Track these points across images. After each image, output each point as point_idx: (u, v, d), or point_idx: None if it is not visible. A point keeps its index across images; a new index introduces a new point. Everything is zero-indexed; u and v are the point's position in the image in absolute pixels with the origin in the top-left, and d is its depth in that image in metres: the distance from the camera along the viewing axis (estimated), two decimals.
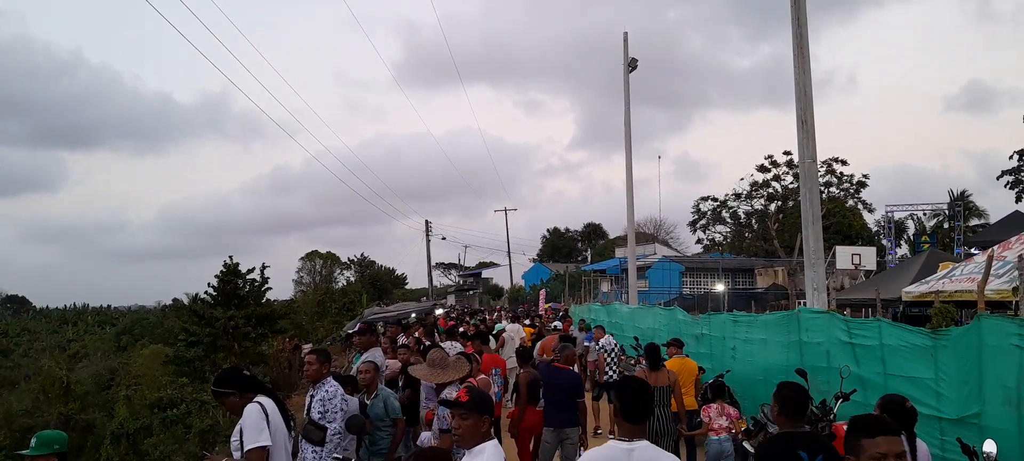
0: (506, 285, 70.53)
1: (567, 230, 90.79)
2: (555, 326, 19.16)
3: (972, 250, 26.45)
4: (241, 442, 4.55)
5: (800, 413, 4.44)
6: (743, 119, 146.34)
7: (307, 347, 23.42)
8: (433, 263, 58.97)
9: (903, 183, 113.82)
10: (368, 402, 6.70)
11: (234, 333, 21.71)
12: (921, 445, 4.78)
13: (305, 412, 6.06)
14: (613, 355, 12.60)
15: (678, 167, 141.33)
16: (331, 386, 6.02)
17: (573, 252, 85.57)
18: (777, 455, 3.47)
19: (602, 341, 13.06)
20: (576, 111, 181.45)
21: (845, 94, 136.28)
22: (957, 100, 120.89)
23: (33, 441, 4.51)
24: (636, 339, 15.54)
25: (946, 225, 46.33)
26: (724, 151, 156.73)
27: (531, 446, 8.47)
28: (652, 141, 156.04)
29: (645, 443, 3.47)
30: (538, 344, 14.18)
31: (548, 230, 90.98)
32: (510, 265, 71.17)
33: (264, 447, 4.52)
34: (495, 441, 3.83)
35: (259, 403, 4.67)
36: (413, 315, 24.71)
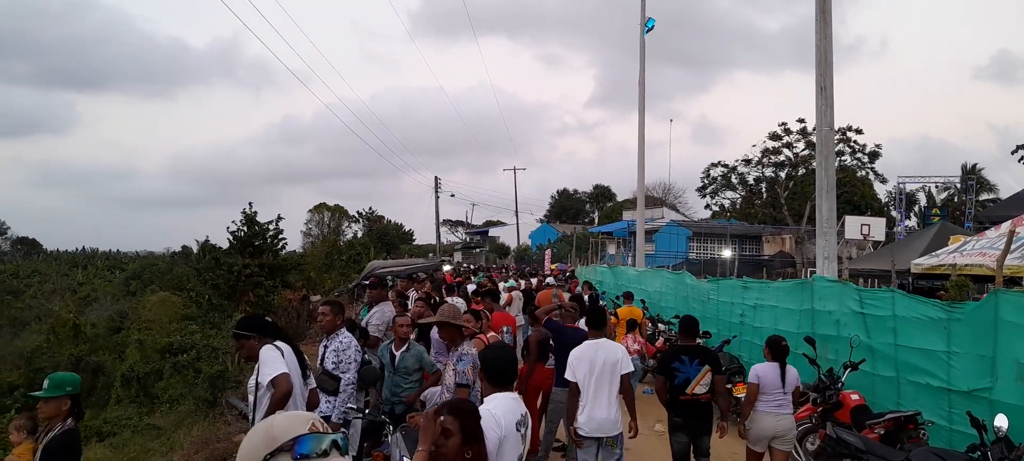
0: (513, 244, 70.65)
1: (575, 191, 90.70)
2: (549, 282, 19.52)
3: (983, 225, 26.31)
4: (257, 382, 4.63)
5: (692, 334, 6.97)
6: (768, 81, 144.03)
7: (316, 298, 23.59)
8: (441, 220, 59.05)
9: (921, 154, 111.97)
10: (397, 354, 6.71)
11: (247, 281, 21.83)
12: (791, 369, 6.85)
13: (318, 362, 6.12)
14: None
15: (695, 130, 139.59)
16: (345, 337, 6.06)
17: (580, 213, 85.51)
18: (669, 358, 6.69)
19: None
20: (596, 67, 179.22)
21: (876, 60, 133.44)
22: (986, 70, 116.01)
23: (46, 383, 4.52)
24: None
25: (957, 199, 46.04)
26: (746, 114, 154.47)
27: (538, 403, 8.54)
28: (672, 101, 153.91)
29: (605, 339, 6.46)
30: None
31: (557, 191, 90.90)
32: (517, 225, 71.25)
33: (286, 373, 4.60)
34: (509, 394, 3.91)
35: (276, 345, 4.75)
36: (421, 274, 24.84)
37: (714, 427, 6.61)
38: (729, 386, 8.28)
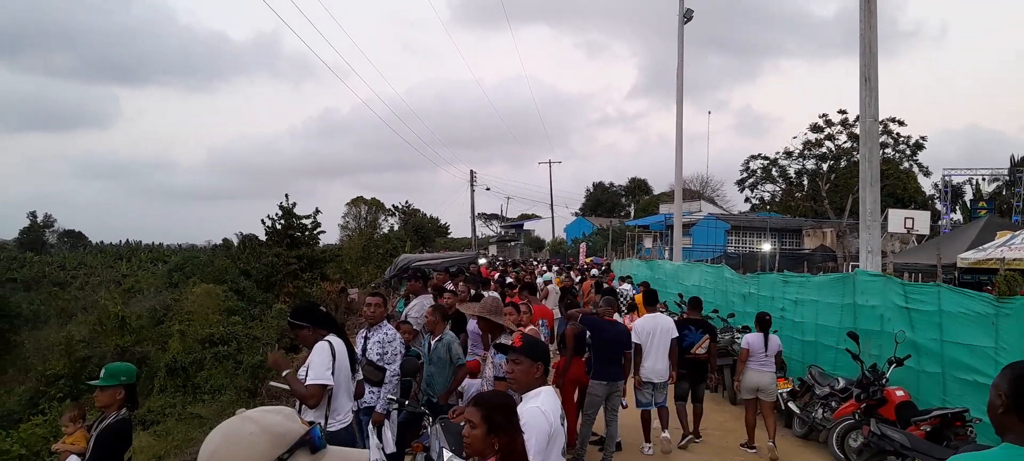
0: (548, 237, 70.58)
1: (611, 185, 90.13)
2: (593, 273, 19.58)
3: None
4: (306, 376, 4.69)
5: (697, 309, 9.42)
6: (818, 70, 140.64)
7: (354, 291, 23.84)
8: (476, 213, 59.22)
9: (972, 145, 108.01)
10: (433, 344, 6.74)
11: (286, 273, 22.17)
12: (773, 338, 8.75)
13: (360, 353, 6.17)
14: (625, 300, 14.52)
15: (741, 120, 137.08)
16: (389, 329, 6.11)
17: (616, 207, 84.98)
18: (681, 326, 8.65)
19: (619, 288, 16.54)
20: (639, 56, 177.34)
21: (935, 45, 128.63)
22: None
23: (102, 372, 4.65)
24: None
25: (1005, 191, 44.85)
26: (794, 103, 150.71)
27: (575, 397, 8.52)
28: (718, 91, 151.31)
29: (660, 314, 8.84)
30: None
31: (592, 184, 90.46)
32: (552, 218, 71.20)
33: (324, 385, 4.64)
34: (550, 387, 3.86)
35: (330, 342, 4.78)
36: (454, 267, 24.91)
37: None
38: None
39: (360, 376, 5.32)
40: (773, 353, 8.66)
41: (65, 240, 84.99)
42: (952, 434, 6.62)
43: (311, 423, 1.68)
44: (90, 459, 4.48)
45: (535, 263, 35.58)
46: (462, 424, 5.08)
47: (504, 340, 5.42)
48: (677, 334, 8.42)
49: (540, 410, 3.54)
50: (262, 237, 23.81)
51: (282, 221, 23.32)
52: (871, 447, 6.64)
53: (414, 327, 8.42)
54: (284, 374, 4.88)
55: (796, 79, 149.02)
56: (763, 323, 8.80)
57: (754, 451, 8.75)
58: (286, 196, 23.79)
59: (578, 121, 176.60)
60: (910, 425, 6.87)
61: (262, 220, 23.47)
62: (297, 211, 23.92)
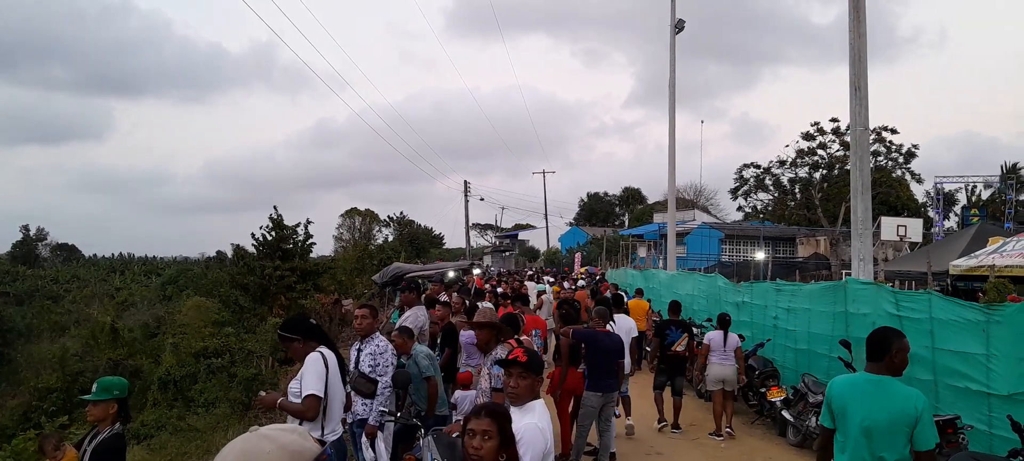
0: (542, 247, 70.58)
1: (605, 194, 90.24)
2: (580, 283, 19.68)
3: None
4: (301, 388, 4.70)
5: (677, 313, 10.73)
6: (820, 77, 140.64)
7: (348, 302, 23.80)
8: (471, 223, 59.24)
9: (969, 152, 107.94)
10: (405, 362, 6.74)
11: (279, 285, 22.13)
12: (731, 335, 9.93)
13: (353, 365, 6.17)
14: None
15: (738, 129, 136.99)
16: (381, 341, 6.10)
17: (610, 216, 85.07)
18: (663, 327, 10.43)
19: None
20: (637, 65, 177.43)
21: (935, 51, 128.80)
22: None
23: (95, 386, 4.63)
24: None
25: (997, 198, 45.07)
26: (794, 111, 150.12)
27: (570, 407, 8.52)
28: (716, 99, 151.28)
29: (624, 315, 10.26)
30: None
31: (586, 194, 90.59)
32: (547, 228, 71.14)
33: (319, 397, 4.66)
34: (542, 401, 3.88)
35: (322, 354, 4.80)
36: (451, 274, 24.88)
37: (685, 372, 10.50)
38: (763, 390, 10.24)
39: (350, 388, 5.33)
40: (731, 349, 9.82)
41: (58, 253, 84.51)
42: (944, 441, 6.63)
43: (321, 441, 1.69)
44: None
45: (529, 273, 35.56)
46: (455, 436, 5.09)
47: (500, 351, 5.42)
48: (636, 334, 9.93)
49: (538, 428, 3.56)
50: (251, 252, 23.75)
51: (272, 233, 23.29)
52: None
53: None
54: (278, 404, 4.89)
55: (796, 87, 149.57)
56: (723, 322, 10.05)
57: (721, 438, 9.75)
58: (275, 208, 23.75)
59: (576, 130, 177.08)
60: None
61: (252, 234, 23.47)
62: (288, 222, 23.94)
